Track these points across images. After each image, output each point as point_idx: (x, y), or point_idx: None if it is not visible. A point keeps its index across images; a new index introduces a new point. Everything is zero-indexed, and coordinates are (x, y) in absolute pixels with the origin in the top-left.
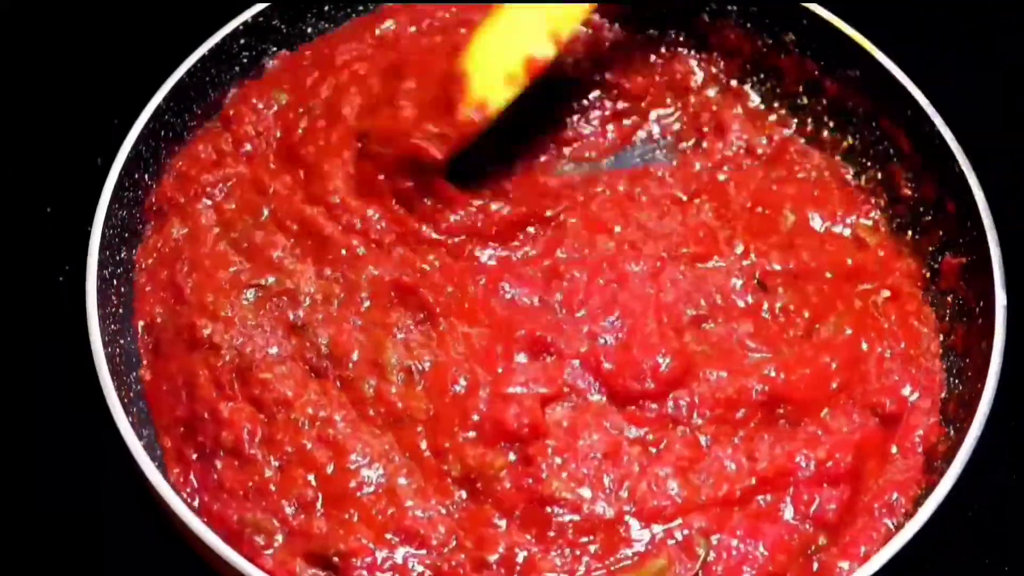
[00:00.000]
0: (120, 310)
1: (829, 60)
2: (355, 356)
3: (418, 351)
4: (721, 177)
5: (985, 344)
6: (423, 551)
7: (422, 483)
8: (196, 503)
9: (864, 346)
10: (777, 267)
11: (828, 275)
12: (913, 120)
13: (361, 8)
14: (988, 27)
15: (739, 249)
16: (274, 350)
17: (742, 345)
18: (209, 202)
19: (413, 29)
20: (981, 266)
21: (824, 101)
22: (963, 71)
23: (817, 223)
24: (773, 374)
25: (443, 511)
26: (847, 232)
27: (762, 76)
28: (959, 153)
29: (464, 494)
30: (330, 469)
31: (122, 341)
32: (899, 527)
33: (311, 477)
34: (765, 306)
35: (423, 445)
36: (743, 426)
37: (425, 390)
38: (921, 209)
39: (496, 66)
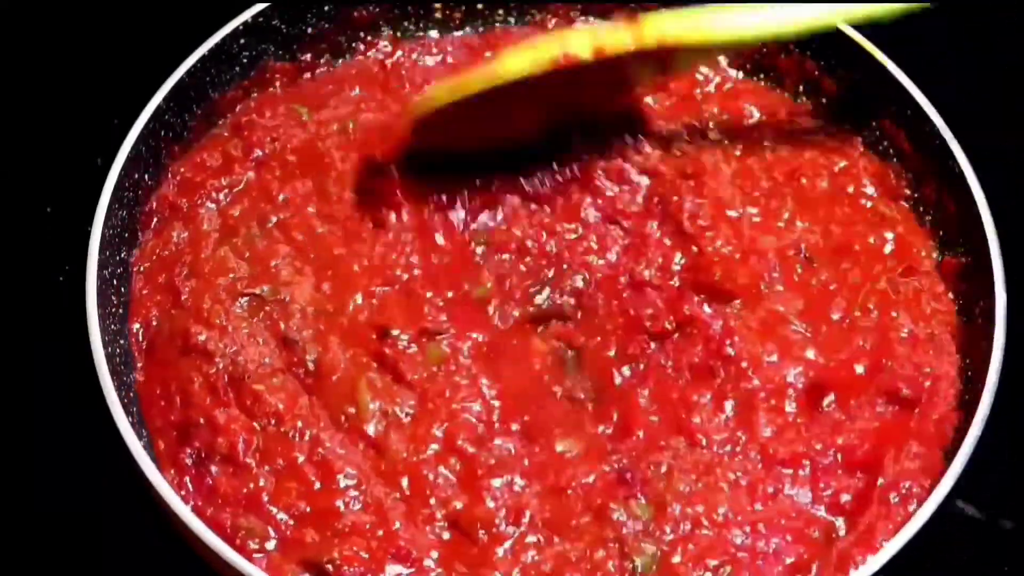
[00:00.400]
0: (120, 310)
1: (829, 60)
2: (335, 378)
3: (397, 399)
4: (766, 142)
5: (985, 344)
6: (415, 568)
7: (408, 511)
8: (190, 507)
9: (888, 327)
10: (820, 241)
11: (856, 247)
12: (913, 120)
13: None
14: (988, 27)
15: (786, 216)
16: (267, 360)
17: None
18: (213, 207)
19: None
20: (981, 266)
21: (824, 101)
22: (963, 71)
23: (845, 194)
24: (812, 356)
25: (432, 537)
26: (869, 204)
27: (762, 76)
28: (959, 153)
29: (450, 535)
30: (318, 486)
31: (122, 341)
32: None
33: (303, 490)
34: (813, 281)
35: (404, 483)
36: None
37: (403, 436)
38: (921, 209)
39: (523, 54)
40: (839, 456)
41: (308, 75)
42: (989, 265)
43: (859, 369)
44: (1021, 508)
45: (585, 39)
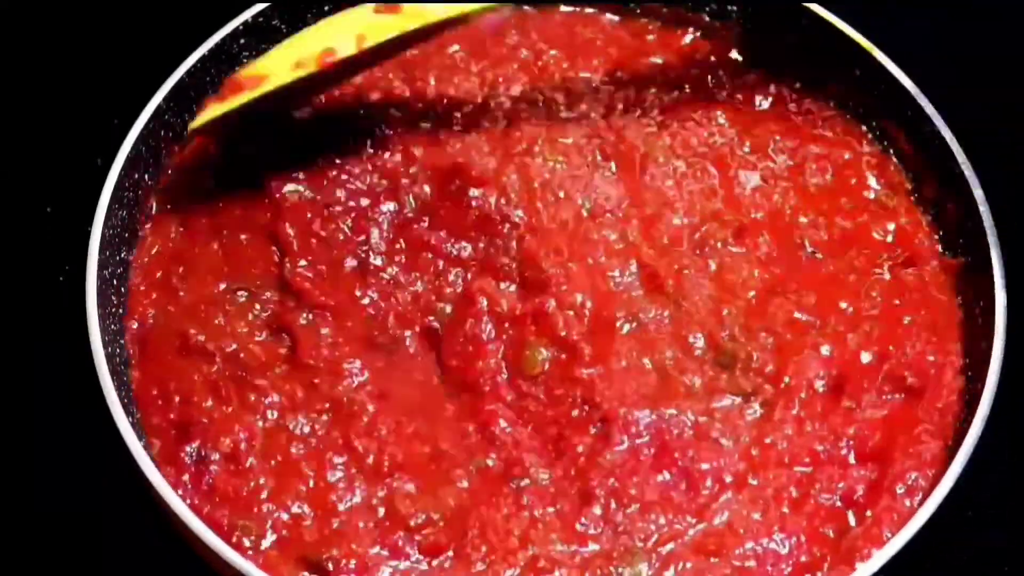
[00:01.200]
0: (120, 310)
1: (830, 60)
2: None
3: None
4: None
5: (985, 344)
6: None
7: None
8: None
9: (891, 316)
10: (823, 234)
11: (860, 238)
12: (913, 120)
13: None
14: (988, 27)
15: (789, 210)
16: (275, 368)
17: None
18: (207, 205)
19: None
20: (981, 266)
21: (828, 101)
22: (963, 71)
23: (848, 186)
24: (827, 352)
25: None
26: (872, 195)
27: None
28: (959, 153)
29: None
30: (313, 483)
31: (122, 341)
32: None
33: (302, 488)
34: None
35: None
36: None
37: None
38: (922, 209)
39: (288, 54)
40: (852, 448)
41: None
42: (989, 265)
43: (866, 358)
44: (1021, 508)
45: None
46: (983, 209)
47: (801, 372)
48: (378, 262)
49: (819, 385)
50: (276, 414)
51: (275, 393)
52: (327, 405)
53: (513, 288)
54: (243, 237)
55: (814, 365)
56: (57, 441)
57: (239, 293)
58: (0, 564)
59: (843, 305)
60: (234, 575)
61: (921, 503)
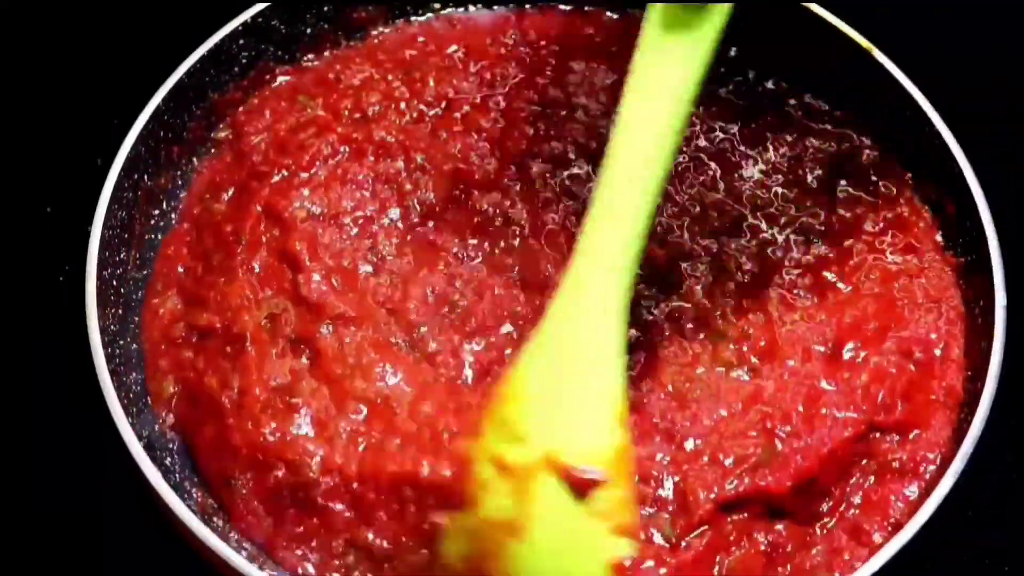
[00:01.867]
0: (120, 310)
1: (829, 60)
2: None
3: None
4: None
5: (985, 344)
6: None
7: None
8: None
9: (892, 298)
10: (823, 227)
11: (862, 231)
12: (913, 120)
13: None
14: (988, 27)
15: (793, 211)
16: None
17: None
18: (221, 208)
19: None
20: (981, 266)
21: (826, 104)
22: (963, 71)
23: (849, 179)
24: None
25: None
26: (871, 187)
27: None
28: (959, 153)
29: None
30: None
31: (122, 341)
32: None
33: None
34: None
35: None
36: None
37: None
38: (920, 201)
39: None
40: (868, 391)
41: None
42: (989, 265)
43: (872, 326)
44: (1021, 508)
45: None
46: (983, 209)
47: (796, 341)
48: (390, 267)
49: (818, 350)
50: (313, 428)
51: (307, 408)
52: (360, 407)
53: (516, 290)
54: (255, 265)
55: (809, 335)
56: (57, 441)
57: (263, 322)
58: (0, 564)
59: (840, 285)
60: (234, 575)
61: (924, 498)
